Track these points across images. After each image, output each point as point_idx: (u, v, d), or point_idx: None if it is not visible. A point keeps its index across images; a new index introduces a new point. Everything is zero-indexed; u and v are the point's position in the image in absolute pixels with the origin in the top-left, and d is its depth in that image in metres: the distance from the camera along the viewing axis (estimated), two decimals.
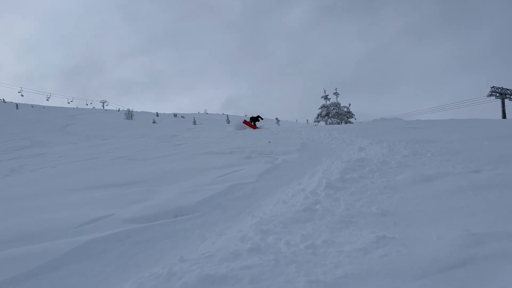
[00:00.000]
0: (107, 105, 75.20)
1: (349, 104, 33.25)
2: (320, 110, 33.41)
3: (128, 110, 46.65)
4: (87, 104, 74.95)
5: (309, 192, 3.58)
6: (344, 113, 32.24)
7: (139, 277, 2.07)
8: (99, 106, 74.54)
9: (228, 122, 42.80)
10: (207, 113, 74.01)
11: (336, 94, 33.84)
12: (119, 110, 61.03)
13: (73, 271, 2.58)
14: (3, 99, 59.17)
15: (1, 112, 40.43)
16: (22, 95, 65.56)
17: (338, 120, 31.66)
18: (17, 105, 50.28)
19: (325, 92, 34.24)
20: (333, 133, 9.80)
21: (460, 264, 1.84)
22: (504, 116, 38.39)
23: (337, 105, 32.87)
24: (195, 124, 39.40)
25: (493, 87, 40.83)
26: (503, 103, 40.57)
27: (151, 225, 3.34)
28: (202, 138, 13.42)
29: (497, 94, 40.83)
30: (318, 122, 33.23)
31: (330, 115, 32.16)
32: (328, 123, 31.15)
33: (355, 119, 31.80)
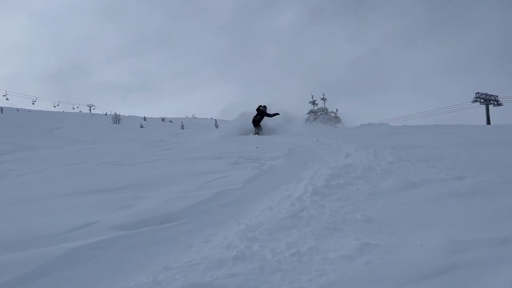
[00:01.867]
0: (94, 109, 74.56)
1: (337, 110, 33.53)
2: (308, 115, 33.62)
3: (115, 114, 46.33)
4: (73, 108, 74.17)
5: (295, 198, 3.60)
6: (331, 118, 32.48)
7: (124, 286, 2.07)
8: (86, 110, 73.89)
9: (216, 127, 42.77)
10: (195, 117, 73.85)
11: (323, 99, 34.11)
12: (106, 114, 60.55)
13: (58, 279, 2.55)
14: None
15: None
16: (7, 99, 64.57)
17: (326, 126, 31.85)
18: (1, 108, 49.55)
19: (312, 98, 34.51)
20: (320, 139, 9.85)
21: (442, 271, 1.87)
22: (488, 122, 39.02)
23: (324, 110, 33.12)
24: (183, 128, 39.28)
25: (477, 93, 41.53)
26: (487, 109, 41.25)
27: (137, 232, 3.32)
28: (190, 143, 13.38)
29: (482, 100, 41.52)
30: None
31: (318, 120, 32.37)
32: (316, 129, 31.30)
33: (343, 124, 32.08)
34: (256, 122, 16.20)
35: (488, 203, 2.93)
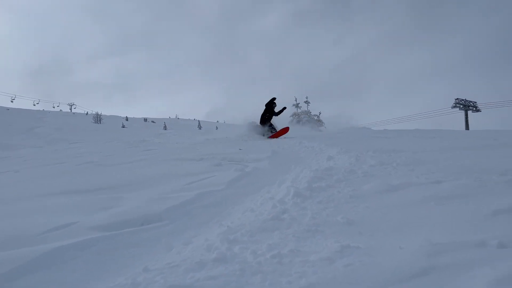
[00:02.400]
0: (75, 108, 73.35)
1: (320, 113, 33.75)
2: (291, 118, 33.76)
3: (97, 114, 45.67)
4: (54, 107, 72.86)
5: (277, 200, 3.61)
6: (314, 121, 32.69)
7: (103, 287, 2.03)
8: (66, 108, 72.66)
9: (200, 128, 42.54)
10: (178, 118, 73.36)
11: (307, 102, 34.31)
12: (87, 113, 59.64)
13: (35, 281, 2.49)
14: None
15: None
16: None
17: (309, 128, 32.06)
18: None
19: (296, 100, 34.64)
20: (303, 141, 9.90)
21: (421, 274, 1.90)
22: (467, 128, 39.87)
23: (307, 113, 33.32)
24: (165, 129, 38.97)
25: (457, 99, 42.40)
26: (466, 115, 42.14)
27: (116, 233, 3.27)
28: (173, 144, 13.28)
29: (461, 106, 42.39)
30: None
31: (301, 123, 32.54)
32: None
33: (325, 127, 32.33)
34: (265, 121, 13.69)
35: (466, 206, 3.00)
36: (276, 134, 13.13)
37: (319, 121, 32.97)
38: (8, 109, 52.50)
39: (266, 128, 13.64)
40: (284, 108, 14.20)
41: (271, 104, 13.69)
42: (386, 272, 1.92)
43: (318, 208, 3.33)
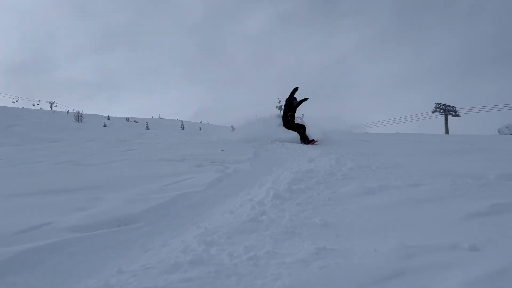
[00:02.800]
0: (55, 106, 72.05)
1: (303, 115, 33.90)
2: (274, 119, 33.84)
3: (78, 113, 44.96)
4: (33, 105, 71.48)
5: (257, 202, 3.61)
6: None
7: None
8: (47, 107, 71.33)
9: (183, 128, 42.30)
10: (161, 118, 72.75)
11: None
12: (68, 112, 58.67)
13: (6, 283, 2.44)
14: None
15: None
16: None
17: (292, 130, 32.19)
18: None
19: (279, 102, 34.73)
20: (286, 143, 9.93)
21: (394, 276, 1.92)
22: (447, 132, 40.60)
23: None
24: (148, 129, 38.61)
25: (437, 103, 43.16)
26: (446, 119, 42.93)
27: (92, 234, 3.21)
28: (154, 144, 13.15)
29: (441, 110, 43.16)
30: None
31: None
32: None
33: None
34: (289, 122, 10.51)
35: (440, 210, 3.05)
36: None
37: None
38: None
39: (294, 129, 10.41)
40: (306, 99, 10.66)
41: (291, 99, 10.33)
42: (360, 274, 1.94)
43: (296, 210, 3.33)
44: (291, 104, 10.51)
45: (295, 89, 10.45)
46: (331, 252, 2.27)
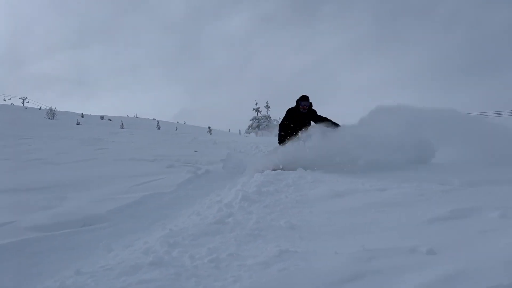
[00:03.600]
0: (27, 102, 70.24)
1: (279, 118, 34.12)
2: (252, 121, 33.91)
3: (50, 109, 43.92)
4: (4, 100, 69.51)
5: (224, 204, 3.60)
6: (274, 126, 33.02)
7: None
8: (18, 102, 69.39)
9: (159, 128, 41.85)
10: (136, 117, 71.79)
11: (267, 107, 34.60)
12: (40, 108, 57.22)
13: None
14: None
15: None
16: None
17: (268, 133, 32.33)
18: None
19: (257, 105, 34.89)
20: (260, 146, 9.96)
21: (352, 279, 1.95)
22: None
23: (267, 118, 33.60)
24: (122, 128, 38.03)
25: None
26: None
27: (54, 234, 3.14)
28: (127, 144, 12.97)
29: None
30: (249, 133, 33.68)
31: (260, 127, 32.75)
32: (258, 135, 31.68)
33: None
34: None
35: (404, 214, 3.10)
36: None
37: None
38: None
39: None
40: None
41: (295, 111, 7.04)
42: (318, 277, 1.95)
43: (263, 212, 3.34)
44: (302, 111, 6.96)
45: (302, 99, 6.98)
46: (293, 254, 2.28)
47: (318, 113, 7.04)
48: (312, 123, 7.02)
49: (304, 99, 6.91)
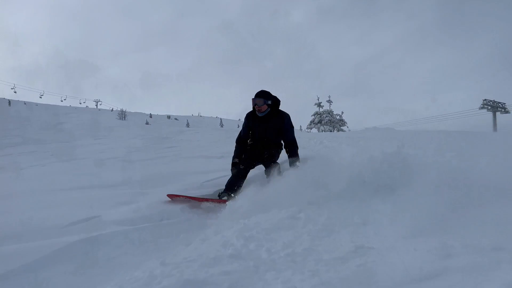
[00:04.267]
0: (100, 104, 75.12)
1: (342, 112, 33.50)
2: (313, 117, 33.60)
3: (122, 111, 46.55)
4: (80, 103, 74.82)
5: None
6: (336, 120, 32.44)
7: (121, 280, 2.11)
8: (92, 105, 74.39)
9: (222, 126, 42.80)
10: (200, 116, 73.99)
11: (329, 101, 34.08)
12: (112, 110, 60.86)
13: (56, 271, 2.61)
14: None
15: None
16: (15, 92, 65.53)
17: (331, 128, 31.86)
18: (9, 101, 49.92)
19: (318, 99, 34.49)
20: (324, 141, 9.88)
21: (431, 276, 1.90)
22: (495, 129, 38.80)
23: (330, 112, 33.09)
24: (188, 126, 39.39)
25: (485, 99, 41.30)
26: (494, 116, 41.00)
27: (136, 227, 3.37)
28: (194, 141, 13.44)
29: (489, 107, 41.26)
30: (311, 129, 33.42)
31: (322, 122, 32.34)
32: (320, 130, 31.33)
33: (347, 127, 32.01)
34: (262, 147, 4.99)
35: (483, 212, 2.95)
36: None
37: (341, 121, 32.70)
38: (37, 104, 53.95)
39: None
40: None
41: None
42: (397, 273, 1.93)
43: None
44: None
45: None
46: (369, 250, 2.27)
47: (291, 123, 4.86)
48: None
49: (257, 95, 4.73)
